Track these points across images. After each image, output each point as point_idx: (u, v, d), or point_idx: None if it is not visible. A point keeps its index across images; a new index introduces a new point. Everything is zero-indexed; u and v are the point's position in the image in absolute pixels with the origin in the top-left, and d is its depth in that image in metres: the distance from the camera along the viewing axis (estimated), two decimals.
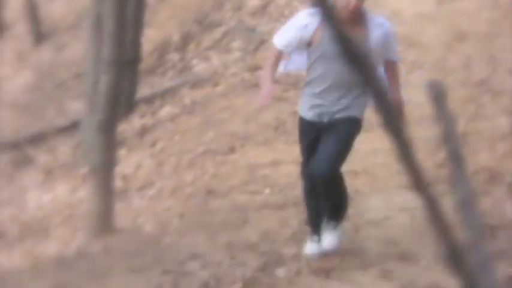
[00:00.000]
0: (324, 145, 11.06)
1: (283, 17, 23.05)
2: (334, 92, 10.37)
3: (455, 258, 1.42)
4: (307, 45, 10.07)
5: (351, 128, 10.95)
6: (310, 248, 11.30)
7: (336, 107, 10.58)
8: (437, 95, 2.00)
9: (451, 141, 2.06)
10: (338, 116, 10.71)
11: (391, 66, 10.50)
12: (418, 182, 1.71)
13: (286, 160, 16.10)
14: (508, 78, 18.89)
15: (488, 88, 18.75)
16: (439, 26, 21.73)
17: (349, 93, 10.49)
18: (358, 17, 10.22)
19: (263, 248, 12.02)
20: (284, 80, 19.72)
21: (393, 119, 1.83)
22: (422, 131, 14.00)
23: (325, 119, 10.79)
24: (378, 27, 10.21)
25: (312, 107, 10.85)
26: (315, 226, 11.52)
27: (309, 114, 10.98)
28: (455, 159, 1.88)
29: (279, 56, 10.35)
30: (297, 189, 14.68)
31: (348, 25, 9.64)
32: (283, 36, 10.02)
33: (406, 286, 10.75)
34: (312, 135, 11.13)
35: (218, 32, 22.91)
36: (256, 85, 20.05)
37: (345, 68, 9.07)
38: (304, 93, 10.95)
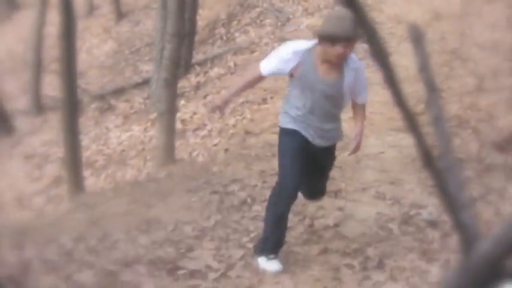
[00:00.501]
0: (320, 176, 10.00)
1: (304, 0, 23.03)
2: (317, 119, 9.26)
3: (430, 163, 1.43)
4: (289, 75, 9.14)
5: (334, 154, 9.98)
6: (272, 266, 9.20)
7: (322, 132, 9.43)
8: (417, 36, 2.02)
9: (426, 72, 2.07)
10: (327, 143, 9.60)
11: (358, 107, 9.57)
12: (407, 116, 1.71)
13: None
14: (473, 49, 18.87)
15: (458, 56, 18.72)
16: (422, 8, 21.61)
17: (331, 121, 9.44)
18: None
19: None
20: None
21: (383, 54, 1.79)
22: (407, 88, 13.86)
23: (316, 142, 9.43)
24: (353, 71, 9.20)
25: (300, 124, 9.39)
26: (277, 246, 9.40)
27: (299, 128, 9.40)
28: (429, 85, 1.88)
29: (258, 80, 9.53)
30: None
31: (326, 66, 9.08)
32: (269, 64, 9.13)
33: (395, 204, 10.72)
34: (305, 154, 9.37)
35: (254, 12, 22.87)
36: None
37: (324, 98, 9.05)
38: (286, 110, 9.47)
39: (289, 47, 9.10)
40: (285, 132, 9.23)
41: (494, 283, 1.10)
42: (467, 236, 1.47)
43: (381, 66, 1.76)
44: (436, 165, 1.49)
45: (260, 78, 9.32)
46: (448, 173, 1.62)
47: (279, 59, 8.83)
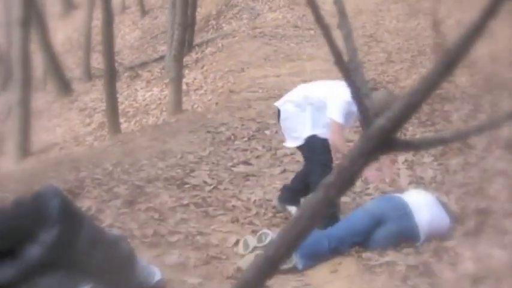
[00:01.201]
0: None
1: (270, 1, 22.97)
2: None
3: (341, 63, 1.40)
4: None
5: None
6: None
7: None
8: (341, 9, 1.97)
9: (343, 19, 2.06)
10: None
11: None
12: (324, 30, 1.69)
13: (271, 75, 16.03)
14: (385, 34, 18.84)
15: (374, 39, 18.67)
16: (348, 5, 21.52)
17: None
18: None
19: (258, 120, 11.95)
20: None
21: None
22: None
23: None
24: None
25: None
26: None
27: None
28: (342, 14, 1.85)
29: (343, 130, 7.84)
30: (277, 89, 14.73)
31: None
32: (340, 113, 7.56)
33: None
34: None
35: (235, 9, 22.84)
36: (255, 36, 20.13)
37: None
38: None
39: (344, 93, 7.28)
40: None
41: (386, 151, 1.13)
42: (368, 115, 1.47)
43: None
44: (345, 64, 1.49)
45: (343, 128, 7.79)
46: (354, 72, 1.62)
47: (344, 104, 7.51)
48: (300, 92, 7.90)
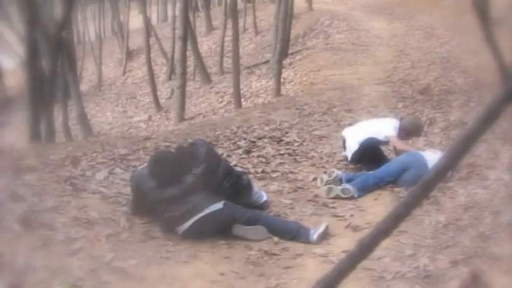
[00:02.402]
0: None
1: (337, 26, 22.62)
2: None
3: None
4: None
5: None
6: None
7: None
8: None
9: None
10: None
11: None
12: None
13: (337, 74, 15.90)
14: (410, 50, 18.42)
15: (403, 53, 18.30)
16: (385, 32, 21.15)
17: None
18: None
19: (329, 102, 11.86)
20: None
21: None
22: None
23: None
24: None
25: None
26: None
27: None
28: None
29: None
30: (340, 83, 14.60)
31: None
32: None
33: None
34: None
35: (315, 32, 22.56)
36: (327, 49, 19.88)
37: None
38: None
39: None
40: None
41: None
42: (507, 73, 1.39)
43: None
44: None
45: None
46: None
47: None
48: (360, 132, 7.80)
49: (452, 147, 0.95)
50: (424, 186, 0.99)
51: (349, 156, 7.69)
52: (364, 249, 1.04)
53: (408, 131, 7.67)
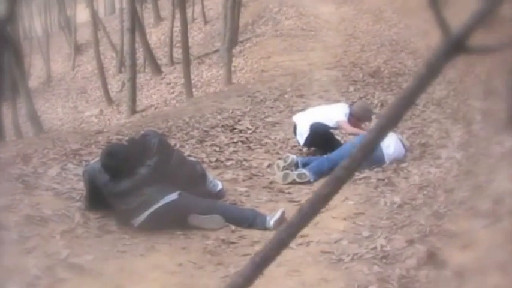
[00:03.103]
0: None
1: (286, 13, 22.60)
2: None
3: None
4: None
5: None
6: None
7: None
8: None
9: None
10: None
11: None
12: None
13: (287, 60, 15.91)
14: (359, 34, 18.53)
15: (352, 36, 18.40)
16: (334, 16, 21.23)
17: None
18: None
19: (280, 88, 11.87)
20: None
21: None
22: None
23: None
24: None
25: None
26: None
27: None
28: None
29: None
30: (291, 69, 14.61)
31: None
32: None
33: None
34: None
35: (264, 19, 22.55)
36: (276, 36, 19.87)
37: None
38: None
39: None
40: None
41: (462, 54, 0.96)
42: (446, 28, 1.37)
43: None
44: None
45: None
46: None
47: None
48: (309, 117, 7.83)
49: (394, 104, 0.93)
50: (363, 148, 0.97)
51: (301, 141, 7.71)
52: (304, 216, 1.01)
53: (358, 117, 7.72)
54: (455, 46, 0.85)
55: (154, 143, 5.50)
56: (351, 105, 8.00)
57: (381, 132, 0.95)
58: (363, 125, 7.84)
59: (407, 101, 0.93)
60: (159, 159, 5.42)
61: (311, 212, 1.01)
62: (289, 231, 1.01)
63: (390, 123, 0.94)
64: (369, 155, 0.98)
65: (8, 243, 4.40)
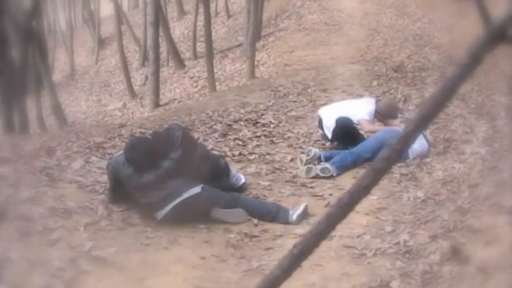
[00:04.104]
0: None
1: (309, 7, 22.52)
2: None
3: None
4: None
5: None
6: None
7: None
8: None
9: None
10: None
11: None
12: None
13: (310, 54, 15.86)
14: (383, 28, 18.42)
15: (375, 31, 18.31)
16: (357, 10, 21.13)
17: None
18: None
19: (303, 82, 11.85)
20: None
21: None
22: None
23: None
24: None
25: None
26: None
27: None
28: None
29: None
30: (314, 63, 14.57)
31: None
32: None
33: None
34: None
35: (287, 13, 22.52)
36: (300, 30, 19.81)
37: None
38: None
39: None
40: None
41: (503, 44, 0.92)
42: (488, 17, 1.36)
43: None
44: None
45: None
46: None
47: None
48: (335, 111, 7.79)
49: (435, 94, 0.92)
50: (403, 140, 0.96)
51: (329, 135, 7.67)
52: (343, 208, 1.01)
53: (384, 114, 7.68)
54: (497, 36, 0.84)
55: (178, 137, 5.50)
56: (377, 101, 7.94)
57: (421, 123, 0.94)
58: (388, 123, 7.80)
59: (448, 92, 0.92)
60: (182, 152, 5.42)
61: (350, 203, 1.00)
62: (328, 223, 1.00)
63: (431, 113, 0.93)
64: (408, 146, 0.97)
65: (33, 235, 4.43)
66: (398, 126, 7.52)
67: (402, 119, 8.41)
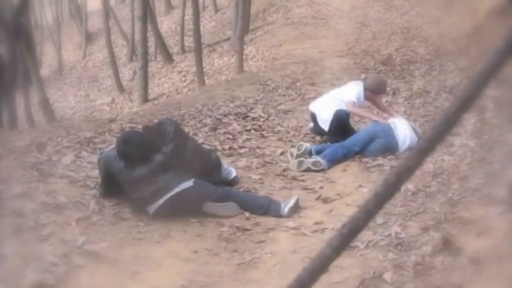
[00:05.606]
0: None
1: (297, 1, 22.48)
2: None
3: None
4: None
5: None
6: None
7: None
8: None
9: None
10: None
11: None
12: None
13: (298, 48, 15.85)
14: (371, 22, 18.41)
15: (363, 24, 18.31)
16: (344, 4, 21.13)
17: None
18: None
19: (292, 76, 11.84)
20: None
21: None
22: None
23: None
24: None
25: None
26: None
27: None
28: None
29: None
30: (302, 57, 14.56)
31: None
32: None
33: None
34: None
35: (275, 7, 22.48)
36: (288, 24, 19.75)
37: None
38: None
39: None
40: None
41: None
42: None
43: None
44: None
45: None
46: None
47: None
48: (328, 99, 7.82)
49: (474, 77, 0.93)
50: (445, 120, 0.96)
51: (326, 127, 7.65)
52: (390, 188, 1.01)
53: (373, 90, 7.69)
54: None
55: (169, 131, 5.50)
56: (364, 80, 7.98)
57: (463, 105, 0.95)
58: (378, 100, 7.84)
59: (488, 75, 0.92)
60: (174, 146, 5.42)
61: (397, 183, 1.01)
62: (376, 202, 1.01)
63: (472, 95, 0.94)
64: (451, 128, 0.98)
65: (25, 231, 4.42)
66: (386, 119, 7.53)
67: (391, 109, 8.43)
